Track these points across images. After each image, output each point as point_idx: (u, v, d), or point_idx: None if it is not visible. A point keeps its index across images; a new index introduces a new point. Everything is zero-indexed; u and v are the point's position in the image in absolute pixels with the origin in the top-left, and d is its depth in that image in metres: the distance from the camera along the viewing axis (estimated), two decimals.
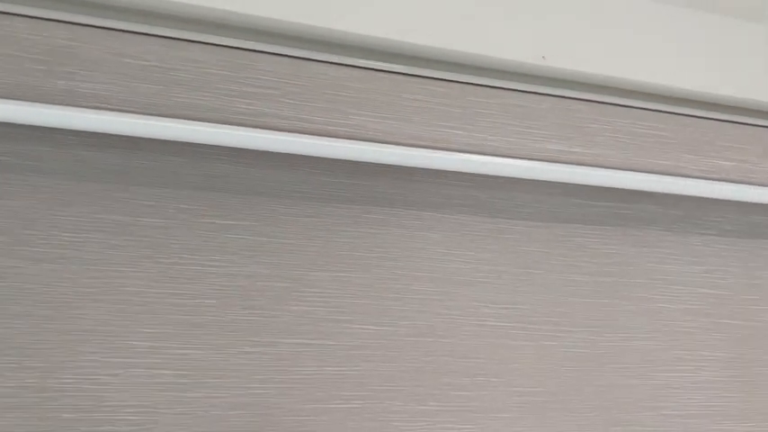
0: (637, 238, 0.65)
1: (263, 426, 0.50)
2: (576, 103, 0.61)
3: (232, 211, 0.53)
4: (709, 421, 0.61)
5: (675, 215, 0.66)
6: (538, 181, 0.60)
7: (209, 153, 0.53)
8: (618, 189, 0.63)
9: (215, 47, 0.53)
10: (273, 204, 0.54)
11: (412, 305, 0.56)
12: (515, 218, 0.61)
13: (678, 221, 0.67)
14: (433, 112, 0.58)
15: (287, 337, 0.52)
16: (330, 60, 0.56)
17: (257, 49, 0.54)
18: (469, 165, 0.57)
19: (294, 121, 0.54)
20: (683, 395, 0.61)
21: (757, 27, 0.71)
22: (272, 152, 0.53)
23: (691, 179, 0.63)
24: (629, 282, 0.63)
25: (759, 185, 0.66)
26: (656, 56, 0.65)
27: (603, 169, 0.60)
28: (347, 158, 0.54)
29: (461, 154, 0.57)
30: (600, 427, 0.58)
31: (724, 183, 0.64)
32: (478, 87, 0.59)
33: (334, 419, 0.52)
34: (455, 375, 0.56)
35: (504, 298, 0.59)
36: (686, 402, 0.61)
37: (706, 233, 0.67)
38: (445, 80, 0.59)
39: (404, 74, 0.58)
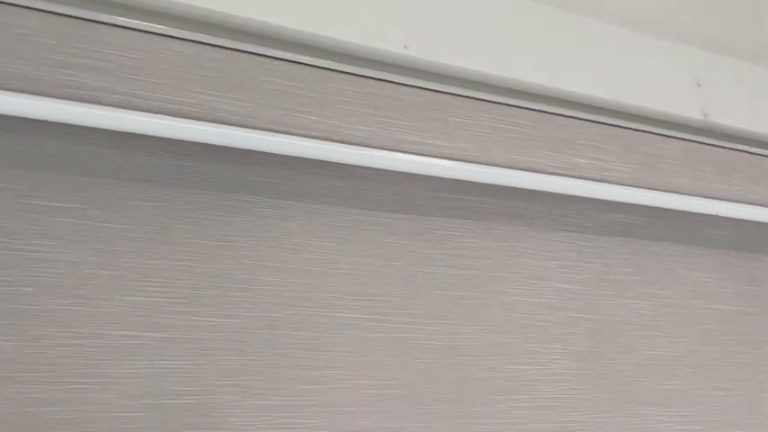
0: (498, 233, 0.66)
1: (79, 422, 0.46)
2: (438, 95, 0.61)
3: (57, 192, 0.49)
4: (557, 413, 0.62)
5: (536, 211, 0.68)
6: (398, 172, 0.60)
7: (31, 128, 0.48)
8: (477, 183, 0.63)
9: (43, 13, 0.49)
10: (107, 186, 0.50)
11: (262, 296, 0.54)
12: (377, 209, 0.60)
13: (539, 217, 0.68)
14: (289, 96, 0.56)
15: (116, 329, 0.49)
16: (178, 36, 0.53)
17: (95, 19, 0.50)
18: (323, 152, 0.55)
19: (131, 97, 0.50)
20: (533, 387, 0.62)
21: (623, 31, 0.73)
22: (106, 129, 0.49)
23: (548, 176, 0.64)
24: (487, 275, 0.64)
25: (615, 184, 0.68)
26: (519, 52, 0.66)
27: (463, 163, 0.60)
28: (190, 139, 0.51)
29: (316, 141, 0.55)
30: (450, 420, 0.58)
31: (580, 180, 0.66)
32: (337, 74, 0.58)
33: (165, 415, 0.49)
34: (304, 369, 0.54)
35: (362, 290, 0.58)
36: (536, 395, 0.62)
37: (566, 229, 0.69)
38: (304, 64, 0.57)
39: (260, 55, 0.56)
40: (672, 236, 0.75)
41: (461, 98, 0.62)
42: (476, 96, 0.62)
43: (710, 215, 0.78)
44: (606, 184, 0.67)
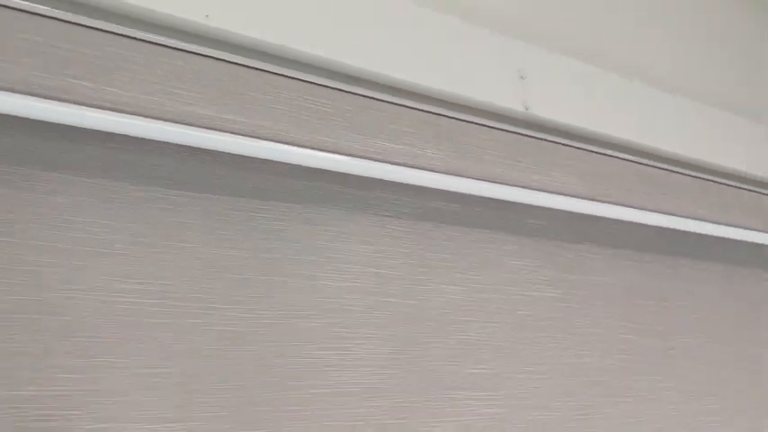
0: (308, 216, 0.64)
1: None
2: (237, 68, 0.58)
3: None
4: (359, 399, 0.62)
5: (349, 195, 0.67)
6: (190, 147, 0.56)
7: None
8: (284, 163, 0.61)
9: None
10: None
11: (21, 278, 0.49)
12: (167, 186, 0.56)
13: (354, 201, 0.67)
14: (63, 60, 0.51)
15: None
16: None
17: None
18: (100, 122, 0.51)
19: None
20: (334, 373, 0.61)
21: (446, 18, 0.74)
22: None
23: (357, 159, 0.63)
24: (293, 259, 0.62)
25: (429, 171, 0.68)
26: (333, 32, 0.64)
27: (260, 141, 0.58)
28: None
29: (92, 109, 0.51)
30: (238, 408, 0.56)
31: (392, 165, 0.65)
32: (124, 38, 0.54)
33: None
34: (68, 357, 0.50)
35: (144, 272, 0.54)
36: (337, 380, 0.61)
37: (380, 214, 0.69)
38: (85, 26, 0.52)
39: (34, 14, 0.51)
40: (489, 224, 0.77)
41: (262, 73, 0.59)
42: (279, 72, 0.60)
43: (528, 205, 0.81)
44: (420, 171, 0.67)
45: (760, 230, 0.97)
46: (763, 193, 1.01)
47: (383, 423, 0.62)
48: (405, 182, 0.69)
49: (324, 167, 0.64)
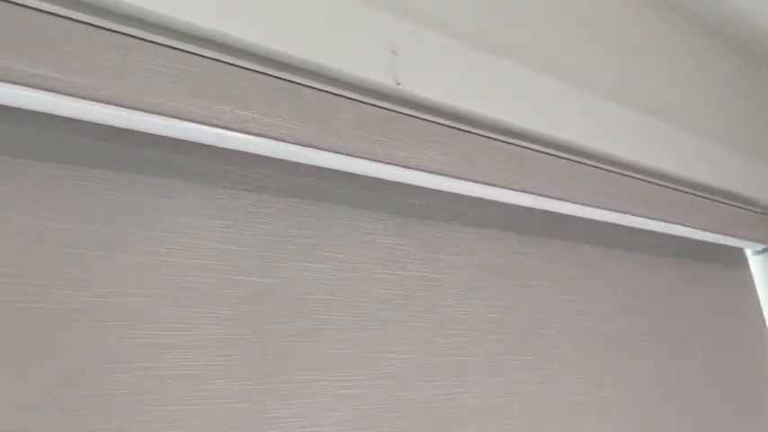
0: (151, 187, 0.59)
1: None
2: (47, 17, 0.52)
3: None
4: (199, 381, 0.58)
5: (198, 165, 0.63)
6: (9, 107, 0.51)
7: None
8: (124, 129, 0.57)
9: None
10: None
11: None
12: None
13: (202, 173, 0.63)
14: None
15: None
16: None
17: None
18: None
19: None
20: (169, 354, 0.57)
21: None
22: None
23: (201, 125, 0.59)
24: (128, 233, 0.57)
25: (288, 143, 0.65)
26: None
27: (87, 102, 0.53)
28: None
29: None
30: (55, 392, 0.51)
31: (246, 135, 0.62)
32: None
33: None
34: None
35: None
36: (175, 362, 0.57)
37: (235, 188, 0.65)
38: None
39: None
40: (357, 201, 0.75)
41: (88, 27, 0.54)
42: (108, 27, 0.55)
43: (398, 183, 0.79)
44: (276, 142, 0.64)
45: (631, 214, 1.01)
46: (640, 179, 1.05)
47: (230, 406, 0.59)
48: (260, 153, 0.65)
49: (166, 134, 0.59)
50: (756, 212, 1.30)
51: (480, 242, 0.86)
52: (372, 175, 0.75)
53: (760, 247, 1.31)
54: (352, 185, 0.74)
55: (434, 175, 0.76)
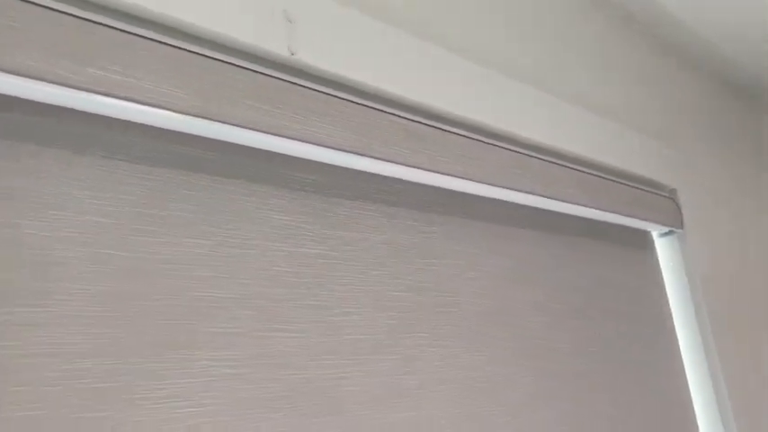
0: (9, 151, 0.55)
1: None
2: None
3: None
4: (60, 360, 0.54)
5: (70, 132, 0.58)
6: None
7: None
8: None
9: None
10: None
11: None
12: None
13: (74, 140, 0.59)
14: None
15: None
16: None
17: None
18: None
19: None
20: (25, 332, 0.53)
21: None
22: None
23: (69, 89, 0.55)
24: None
25: (164, 109, 0.62)
26: None
27: None
28: None
29: None
30: None
31: (112, 98, 0.58)
32: None
33: None
34: None
35: None
36: (29, 340, 0.53)
37: (110, 156, 0.61)
38: None
39: None
40: (249, 174, 0.72)
41: None
42: None
43: (295, 157, 0.77)
44: (155, 109, 0.60)
45: (536, 194, 1.02)
46: (546, 160, 1.06)
47: (97, 386, 0.56)
48: (139, 121, 0.62)
49: (27, 97, 0.55)
50: (663, 196, 1.35)
51: (384, 221, 0.85)
52: (265, 148, 0.72)
53: (665, 229, 1.36)
54: (243, 158, 0.72)
55: (330, 150, 0.74)
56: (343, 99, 0.76)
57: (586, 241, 1.20)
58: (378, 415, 0.75)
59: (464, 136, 0.92)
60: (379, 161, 0.79)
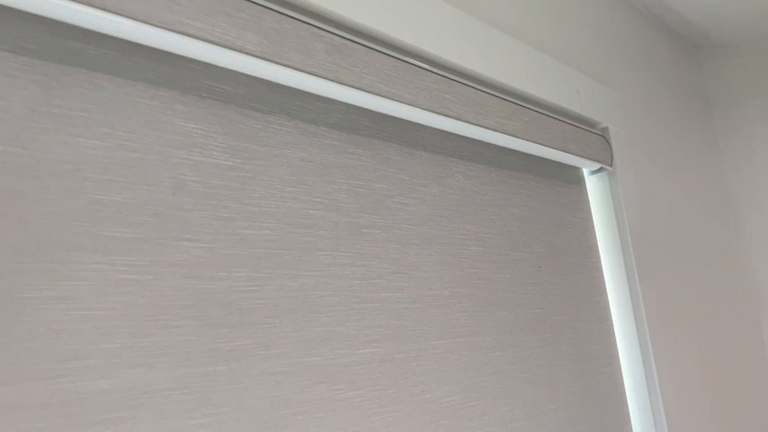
0: None
1: None
2: None
3: None
4: None
5: None
6: None
7: None
8: None
9: None
10: None
11: None
12: None
13: None
14: None
15: None
16: None
17: None
18: None
19: None
20: None
21: None
22: None
23: None
24: None
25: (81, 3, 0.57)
26: None
27: None
28: None
29: None
30: None
31: None
32: None
33: None
34: None
35: None
36: None
37: None
38: None
39: None
40: (152, 78, 0.68)
41: None
42: None
43: (205, 63, 0.73)
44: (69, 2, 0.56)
45: (465, 121, 1.01)
46: (477, 88, 1.05)
47: None
48: (23, 8, 0.57)
49: None
50: (595, 133, 1.36)
51: (302, 137, 0.83)
52: (168, 50, 0.68)
53: (596, 166, 1.38)
54: (145, 59, 0.68)
55: (239, 55, 0.71)
56: (256, 3, 0.73)
57: (520, 175, 1.20)
58: (290, 328, 0.75)
59: (392, 56, 0.90)
60: (296, 72, 0.76)
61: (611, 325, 1.34)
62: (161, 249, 0.65)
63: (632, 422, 1.31)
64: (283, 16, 0.75)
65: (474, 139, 1.11)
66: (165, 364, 0.63)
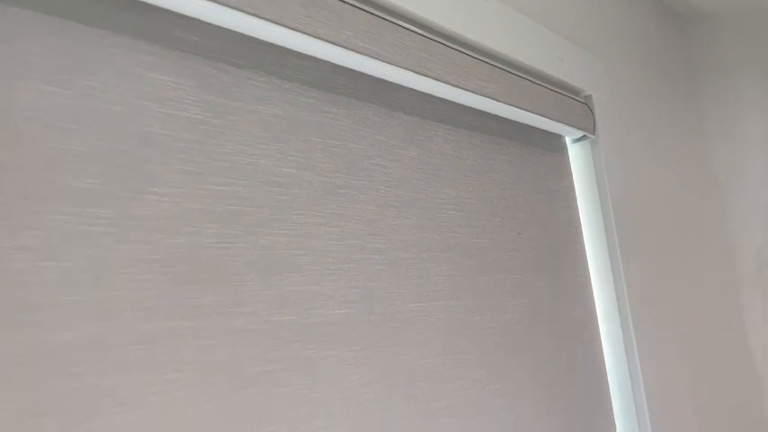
0: None
1: None
2: None
3: None
4: None
5: None
6: None
7: None
8: None
9: None
10: None
11: None
12: None
13: None
14: None
15: None
16: None
17: None
18: None
19: None
20: None
21: None
22: None
23: None
24: None
25: None
26: None
27: None
28: None
29: None
30: None
31: None
32: None
33: None
34: None
35: None
36: None
37: None
38: None
39: None
40: (119, 27, 0.66)
41: None
42: None
43: (173, 12, 0.71)
44: None
45: (446, 83, 0.99)
46: (459, 50, 1.03)
47: None
48: None
49: None
50: (577, 101, 1.35)
51: (277, 94, 0.81)
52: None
53: (578, 134, 1.37)
54: (113, 7, 0.66)
55: (206, 3, 0.69)
56: None
57: (501, 141, 1.19)
58: (262, 287, 0.74)
59: (368, 12, 0.88)
60: (270, 24, 0.74)
61: (592, 293, 1.34)
62: (127, 202, 0.63)
63: (611, 390, 1.32)
64: None
65: (454, 103, 1.10)
66: (130, 317, 0.62)
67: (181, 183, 0.68)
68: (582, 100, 1.37)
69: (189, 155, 0.70)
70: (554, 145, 1.34)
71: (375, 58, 0.87)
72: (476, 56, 1.07)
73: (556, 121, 1.25)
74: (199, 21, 0.73)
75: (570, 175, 1.37)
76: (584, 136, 1.38)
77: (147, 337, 0.62)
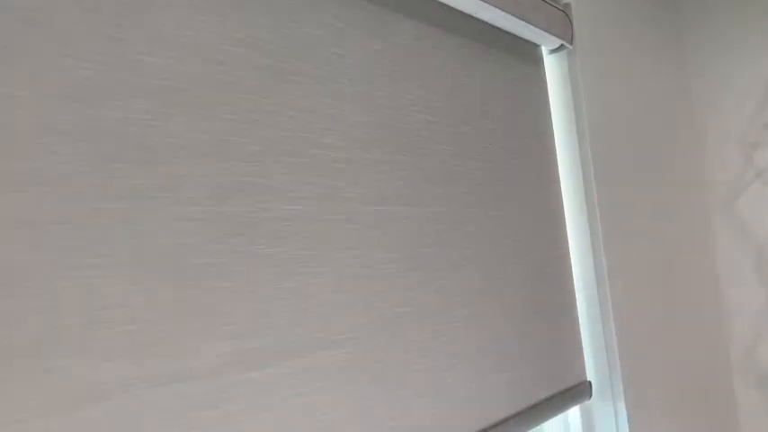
0: None
1: None
2: None
3: None
4: None
5: None
6: None
7: None
8: None
9: None
10: None
11: None
12: None
13: None
14: None
15: None
16: None
17: None
18: None
19: None
20: None
21: None
22: None
23: None
24: None
25: None
26: None
27: None
28: None
29: None
30: None
31: None
32: None
33: None
34: None
35: None
36: None
37: None
38: None
39: None
40: None
41: None
42: None
43: None
44: None
45: None
46: None
47: None
48: None
49: None
50: (556, 8, 1.27)
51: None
52: None
53: (556, 44, 1.29)
54: None
55: None
56: None
57: (474, 45, 1.11)
58: (201, 173, 0.67)
59: None
60: None
61: (562, 207, 1.30)
62: (36, 62, 0.55)
63: (578, 305, 1.30)
64: None
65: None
66: (44, 193, 0.55)
67: (102, 48, 0.60)
68: (560, 7, 1.29)
69: (111, 18, 0.61)
70: (529, 54, 1.27)
71: None
72: None
73: (532, 24, 1.17)
74: None
75: (545, 87, 1.30)
76: (561, 46, 1.31)
77: (63, 215, 0.56)
